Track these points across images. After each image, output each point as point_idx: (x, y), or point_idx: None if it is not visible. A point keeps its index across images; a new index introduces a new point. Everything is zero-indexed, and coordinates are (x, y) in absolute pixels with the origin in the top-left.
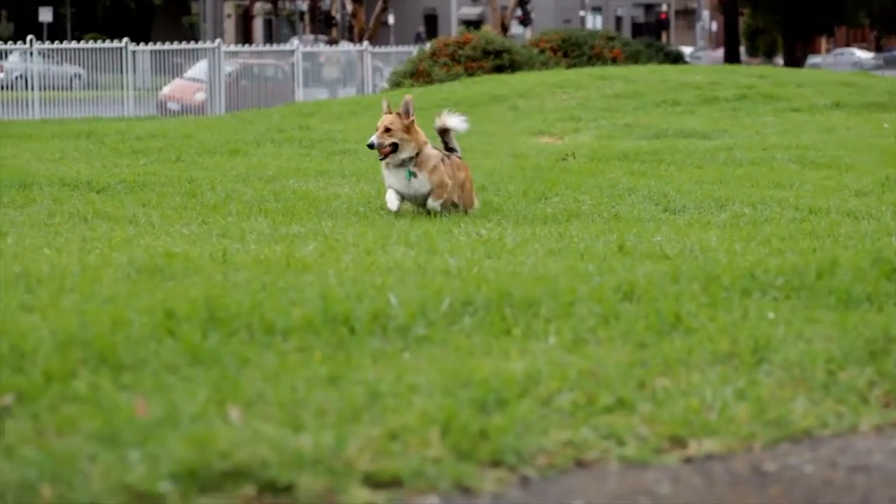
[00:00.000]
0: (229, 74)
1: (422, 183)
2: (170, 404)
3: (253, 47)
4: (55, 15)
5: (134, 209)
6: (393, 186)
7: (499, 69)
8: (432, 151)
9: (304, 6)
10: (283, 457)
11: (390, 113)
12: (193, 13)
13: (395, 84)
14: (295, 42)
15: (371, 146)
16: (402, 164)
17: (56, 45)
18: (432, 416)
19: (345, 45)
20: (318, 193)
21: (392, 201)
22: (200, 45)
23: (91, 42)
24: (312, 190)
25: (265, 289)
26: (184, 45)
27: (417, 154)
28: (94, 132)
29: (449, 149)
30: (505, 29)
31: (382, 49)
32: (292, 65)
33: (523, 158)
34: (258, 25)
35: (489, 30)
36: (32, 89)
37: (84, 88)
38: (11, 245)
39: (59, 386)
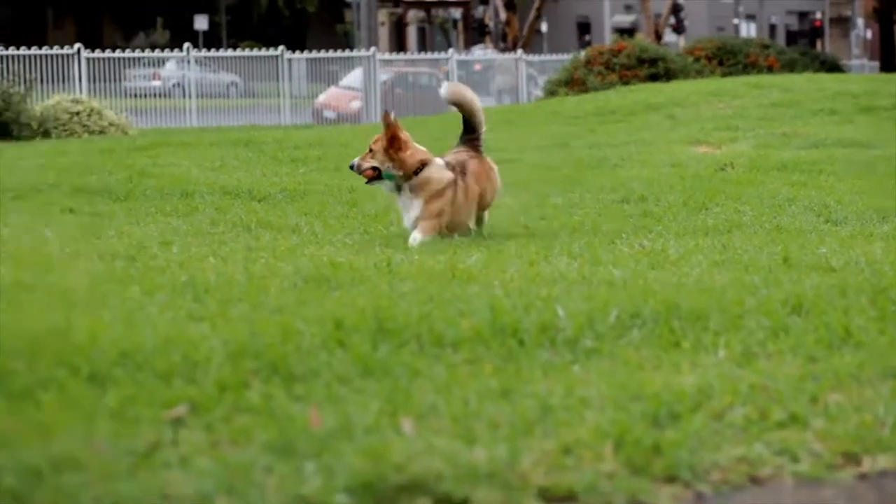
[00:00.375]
0: (384, 82)
1: (414, 210)
2: (343, 416)
3: (407, 55)
4: (210, 23)
5: (296, 218)
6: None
7: (653, 77)
8: (437, 173)
9: (458, 14)
10: (458, 470)
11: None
12: (347, 21)
13: (550, 93)
14: (450, 51)
15: (350, 166)
16: (399, 188)
17: (212, 52)
18: (605, 431)
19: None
20: None
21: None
22: (355, 52)
23: (247, 50)
24: None
25: (432, 300)
26: (339, 54)
27: (415, 173)
28: (252, 140)
29: (471, 130)
30: (659, 37)
31: (536, 57)
32: (446, 73)
33: (681, 168)
34: (411, 33)
35: (643, 38)
36: (189, 97)
37: (240, 96)
38: (177, 254)
39: (233, 396)
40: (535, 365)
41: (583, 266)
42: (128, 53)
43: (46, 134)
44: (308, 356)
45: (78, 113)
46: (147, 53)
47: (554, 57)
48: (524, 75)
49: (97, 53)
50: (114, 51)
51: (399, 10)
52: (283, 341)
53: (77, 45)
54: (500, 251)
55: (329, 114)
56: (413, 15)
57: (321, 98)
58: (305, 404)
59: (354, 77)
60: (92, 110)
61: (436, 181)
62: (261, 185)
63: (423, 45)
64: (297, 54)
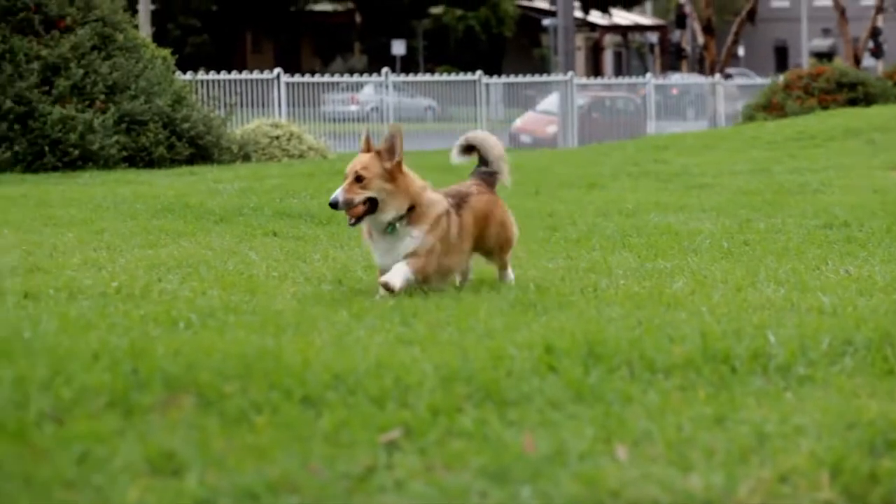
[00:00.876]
0: (581, 107)
1: (409, 245)
2: (557, 441)
3: (604, 79)
4: (408, 48)
5: None
6: (374, 257)
7: (852, 102)
8: (435, 199)
9: (654, 38)
10: (674, 497)
11: (368, 151)
12: (544, 46)
13: (748, 117)
14: (647, 75)
15: (334, 205)
16: (389, 226)
17: (410, 77)
18: (821, 458)
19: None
20: (680, 228)
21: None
22: (552, 77)
23: (444, 74)
24: (673, 224)
25: (641, 325)
26: (536, 78)
27: (411, 208)
28: (451, 165)
29: (484, 163)
30: (857, 61)
31: (734, 81)
32: (643, 97)
33: (884, 193)
34: (608, 57)
35: (841, 62)
36: (386, 121)
37: (436, 120)
38: None
39: (446, 421)
40: (747, 392)
41: (790, 292)
42: (326, 78)
43: (246, 158)
44: (520, 381)
45: (277, 137)
46: (345, 78)
47: (752, 81)
48: (722, 99)
49: (296, 78)
50: (312, 75)
51: (596, 35)
52: (494, 366)
53: (277, 70)
54: (706, 276)
55: (525, 138)
56: (610, 39)
57: (518, 122)
58: (518, 429)
59: (551, 101)
60: (291, 134)
61: (434, 208)
62: None
63: (619, 70)
64: (494, 79)
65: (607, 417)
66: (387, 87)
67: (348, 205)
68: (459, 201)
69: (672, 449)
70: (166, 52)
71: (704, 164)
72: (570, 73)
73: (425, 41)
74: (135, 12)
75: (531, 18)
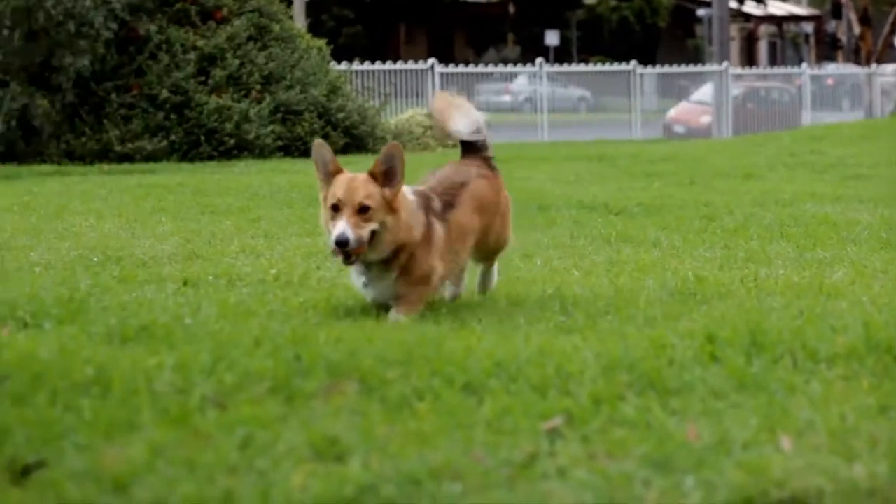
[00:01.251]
0: (735, 97)
1: (386, 287)
2: (720, 431)
3: (759, 70)
4: (561, 38)
5: (655, 232)
6: (357, 286)
7: None
8: (416, 229)
9: (809, 29)
10: (838, 486)
11: (340, 172)
12: (698, 36)
13: None
14: (802, 65)
15: (343, 243)
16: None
17: (564, 67)
18: None
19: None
20: (837, 218)
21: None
22: (707, 67)
23: (598, 65)
24: (830, 214)
25: (802, 315)
26: (689, 68)
27: (401, 247)
28: (605, 155)
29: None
30: None
31: (890, 72)
32: (799, 88)
33: None
34: (762, 48)
35: None
36: (540, 112)
37: (589, 111)
38: (540, 266)
39: (608, 409)
40: None
41: None
42: (480, 68)
43: None
44: (681, 370)
45: (432, 127)
46: (499, 68)
47: None
48: (878, 90)
49: (450, 68)
50: (466, 66)
51: (750, 25)
52: (655, 355)
53: (431, 61)
54: (866, 266)
55: (679, 128)
56: (764, 29)
57: (672, 113)
58: (681, 418)
59: (705, 92)
60: None
61: (417, 240)
62: (616, 199)
63: (773, 60)
64: (648, 69)
65: (771, 407)
66: (540, 77)
67: (359, 241)
68: (451, 198)
69: (836, 438)
70: (321, 42)
71: (861, 154)
72: (724, 64)
73: (579, 32)
74: (290, 3)
75: (685, 9)
